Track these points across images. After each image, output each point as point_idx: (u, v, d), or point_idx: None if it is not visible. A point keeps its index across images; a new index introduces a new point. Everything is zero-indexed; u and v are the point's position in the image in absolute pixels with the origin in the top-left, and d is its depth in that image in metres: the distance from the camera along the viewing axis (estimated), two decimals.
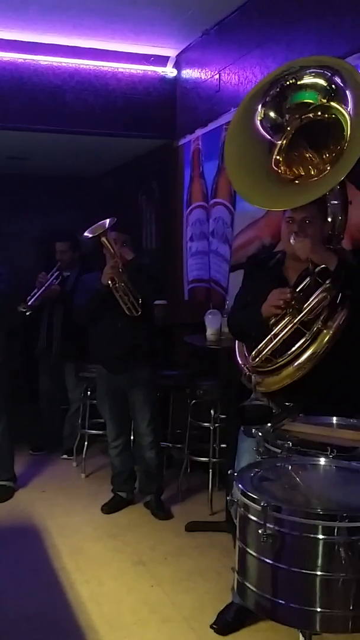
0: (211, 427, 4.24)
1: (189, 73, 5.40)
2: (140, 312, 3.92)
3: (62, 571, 3.38)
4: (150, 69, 5.49)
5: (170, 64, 5.52)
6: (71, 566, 3.43)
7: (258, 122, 2.46)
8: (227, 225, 4.81)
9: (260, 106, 2.45)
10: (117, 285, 3.88)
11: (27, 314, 4.85)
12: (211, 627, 2.80)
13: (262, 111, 2.45)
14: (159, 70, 5.51)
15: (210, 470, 4.18)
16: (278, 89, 2.44)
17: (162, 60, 5.50)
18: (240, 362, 2.74)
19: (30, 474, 4.87)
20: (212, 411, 4.25)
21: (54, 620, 2.94)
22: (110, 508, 4.19)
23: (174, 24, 4.90)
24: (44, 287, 4.97)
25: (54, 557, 3.54)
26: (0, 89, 5.05)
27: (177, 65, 5.52)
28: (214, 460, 4.22)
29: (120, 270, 3.87)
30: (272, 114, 2.47)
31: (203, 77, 5.14)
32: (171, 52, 5.47)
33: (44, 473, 4.93)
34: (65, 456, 5.27)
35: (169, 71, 5.52)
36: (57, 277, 5.10)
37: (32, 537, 3.81)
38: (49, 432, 5.47)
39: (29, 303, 4.86)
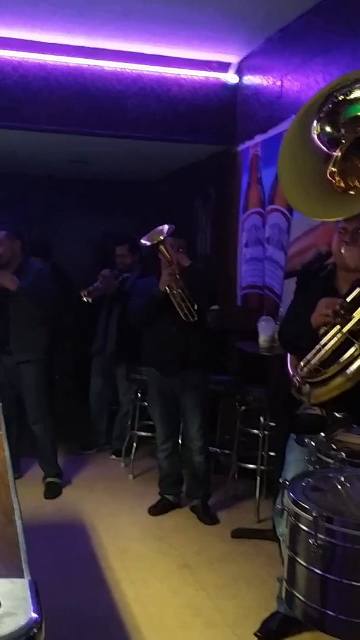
0: (260, 435, 4.23)
1: (250, 79, 5.41)
2: (195, 318, 3.95)
3: (108, 570, 3.42)
4: (212, 75, 5.52)
5: (232, 70, 5.54)
6: (117, 565, 3.47)
7: (315, 136, 2.47)
8: (283, 232, 4.79)
9: (315, 122, 2.45)
10: (174, 291, 3.91)
11: (89, 301, 5.00)
12: (255, 634, 2.79)
13: (318, 126, 2.46)
14: (221, 76, 5.53)
15: (258, 478, 4.17)
16: (331, 105, 2.44)
17: (224, 67, 5.52)
18: (291, 373, 2.73)
19: (79, 472, 4.94)
20: (261, 418, 4.23)
21: (99, 618, 2.97)
22: (157, 510, 4.21)
23: (238, 31, 4.91)
24: (106, 282, 5.09)
25: (101, 555, 3.59)
26: (64, 94, 5.15)
27: (239, 71, 5.53)
28: (262, 467, 4.21)
29: (177, 276, 3.90)
30: (328, 129, 2.46)
31: (265, 84, 5.13)
32: (233, 59, 5.49)
33: (92, 472, 4.99)
34: (113, 457, 5.33)
35: (231, 77, 5.53)
36: (117, 277, 5.22)
37: (79, 534, 3.88)
38: (98, 431, 5.54)
39: (91, 289, 5.00)
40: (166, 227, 3.89)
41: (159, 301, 3.96)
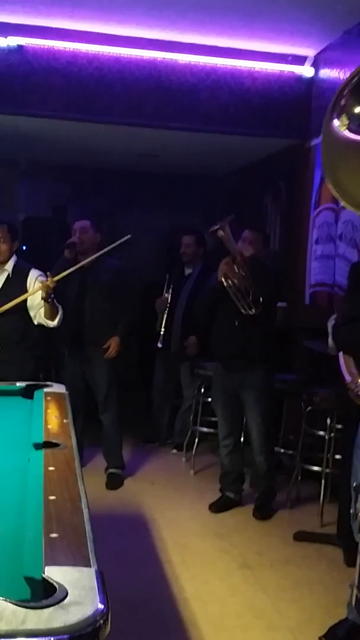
0: (326, 437, 4.12)
1: (327, 73, 5.28)
2: (254, 311, 3.86)
3: (167, 564, 3.40)
4: (287, 68, 5.41)
5: (307, 64, 5.41)
6: (177, 560, 3.45)
7: (345, 133, 2.15)
8: (357, 229, 4.65)
9: (336, 118, 2.16)
10: (229, 282, 3.85)
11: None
12: (320, 639, 2.71)
13: (344, 118, 2.20)
14: (296, 69, 5.42)
15: (323, 481, 4.06)
16: (348, 90, 2.20)
17: (299, 60, 5.40)
18: (348, 377, 2.64)
19: (141, 464, 4.95)
20: (328, 420, 4.12)
21: (158, 612, 2.96)
22: (218, 507, 4.17)
23: (315, 23, 4.79)
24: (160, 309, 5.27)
25: (161, 549, 3.57)
26: (138, 87, 5.15)
27: (315, 64, 5.40)
28: (327, 470, 4.10)
29: (237, 267, 3.84)
30: (357, 109, 2.15)
31: (342, 77, 4.99)
32: (310, 52, 5.36)
33: (153, 465, 5.00)
34: (175, 451, 5.31)
35: (306, 71, 5.41)
36: (166, 301, 5.31)
37: (140, 527, 3.87)
38: (160, 425, 5.54)
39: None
40: (230, 216, 3.88)
41: (219, 292, 3.90)
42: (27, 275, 3.90)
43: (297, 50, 5.33)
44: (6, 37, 4.85)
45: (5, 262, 3.90)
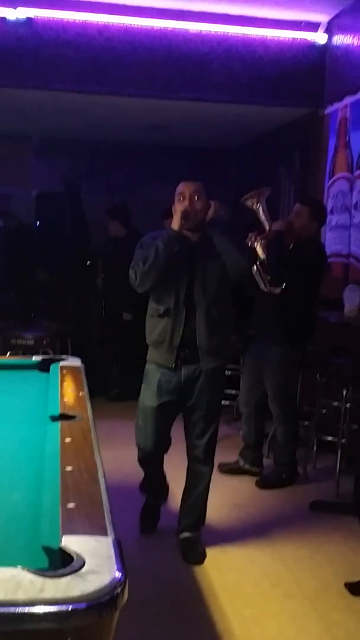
0: (342, 407, 4.11)
1: (340, 39, 5.17)
2: (267, 289, 3.83)
3: None
4: (300, 35, 5.31)
5: (321, 30, 5.31)
6: None
7: None
8: None
9: None
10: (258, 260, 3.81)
11: None
12: (345, 585, 2.83)
13: None
14: (309, 36, 5.32)
15: (339, 451, 4.07)
16: None
17: (312, 26, 5.30)
18: None
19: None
20: (344, 390, 4.11)
21: (175, 580, 2.99)
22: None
23: None
24: None
25: (176, 518, 3.59)
26: (149, 58, 5.08)
27: (329, 30, 5.30)
28: (343, 441, 4.10)
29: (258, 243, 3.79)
30: None
31: (355, 43, 4.90)
32: (323, 18, 5.25)
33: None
34: None
35: (319, 37, 5.31)
36: None
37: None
38: None
39: None
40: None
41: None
42: None
43: (310, 16, 5.24)
44: (15, 8, 4.79)
45: None
